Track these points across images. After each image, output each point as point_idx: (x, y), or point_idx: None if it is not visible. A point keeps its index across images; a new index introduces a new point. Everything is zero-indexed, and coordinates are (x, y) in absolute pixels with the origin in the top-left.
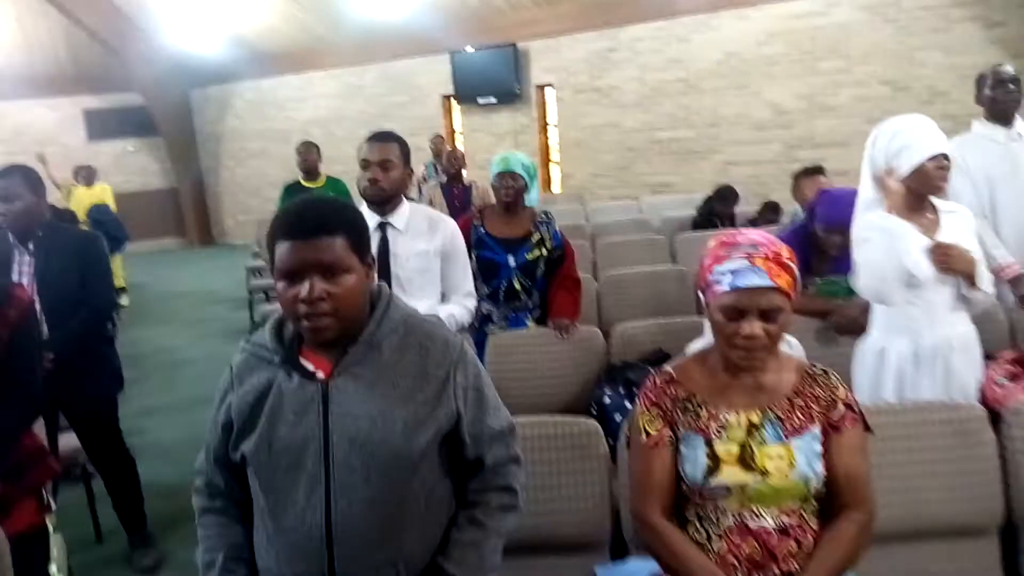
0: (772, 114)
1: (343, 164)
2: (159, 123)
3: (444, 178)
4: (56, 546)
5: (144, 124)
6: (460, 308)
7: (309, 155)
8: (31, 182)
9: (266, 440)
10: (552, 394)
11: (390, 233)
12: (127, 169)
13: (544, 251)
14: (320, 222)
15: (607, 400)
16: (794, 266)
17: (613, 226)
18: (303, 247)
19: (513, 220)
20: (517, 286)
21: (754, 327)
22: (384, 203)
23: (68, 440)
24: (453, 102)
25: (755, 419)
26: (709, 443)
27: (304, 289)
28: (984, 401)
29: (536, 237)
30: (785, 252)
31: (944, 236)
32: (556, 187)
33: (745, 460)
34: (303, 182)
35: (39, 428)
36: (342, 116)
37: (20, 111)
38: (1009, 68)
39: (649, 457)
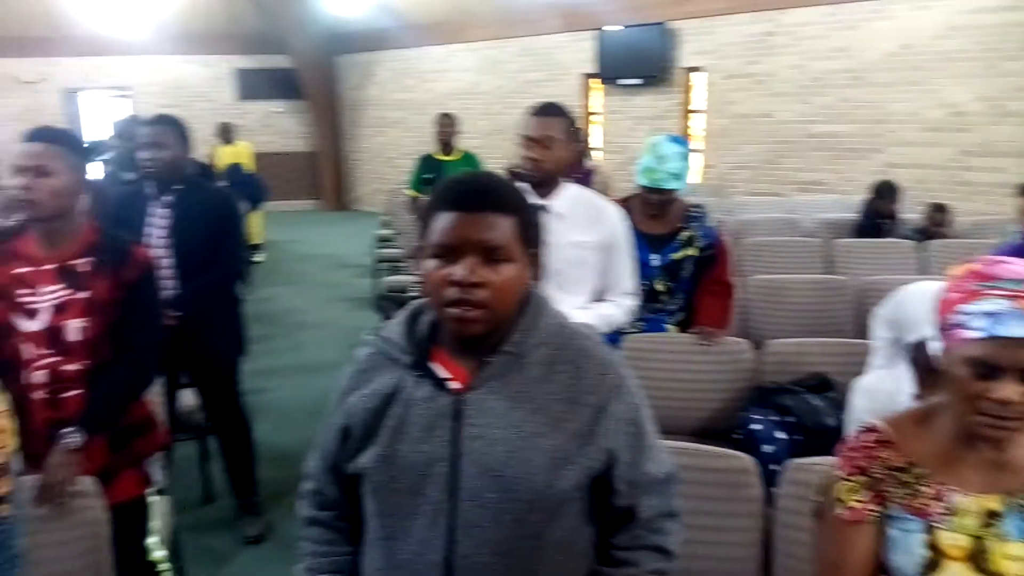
0: (946, 115)
1: (478, 139)
2: (305, 87)
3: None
4: (159, 515)
5: (291, 87)
6: (617, 308)
7: (449, 127)
8: (180, 133)
9: (388, 456)
10: (688, 411)
11: (546, 218)
12: (271, 130)
13: (693, 250)
14: (493, 196)
15: (756, 427)
16: None
17: (760, 224)
18: (468, 221)
19: (659, 215)
20: (660, 287)
21: (1009, 391)
22: (543, 184)
23: (188, 397)
24: (592, 82)
25: (995, 506)
26: (930, 530)
27: (459, 270)
28: None
29: (685, 235)
30: None
31: None
32: (695, 177)
33: (977, 559)
34: (437, 155)
35: (153, 394)
36: (479, 91)
37: (177, 66)
38: None
39: (846, 536)
